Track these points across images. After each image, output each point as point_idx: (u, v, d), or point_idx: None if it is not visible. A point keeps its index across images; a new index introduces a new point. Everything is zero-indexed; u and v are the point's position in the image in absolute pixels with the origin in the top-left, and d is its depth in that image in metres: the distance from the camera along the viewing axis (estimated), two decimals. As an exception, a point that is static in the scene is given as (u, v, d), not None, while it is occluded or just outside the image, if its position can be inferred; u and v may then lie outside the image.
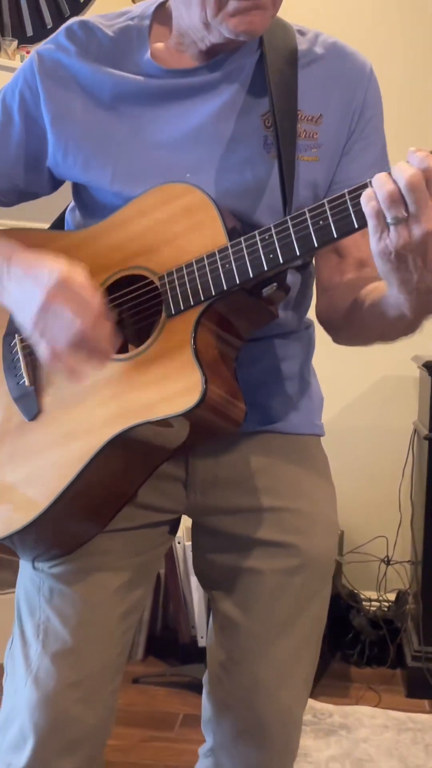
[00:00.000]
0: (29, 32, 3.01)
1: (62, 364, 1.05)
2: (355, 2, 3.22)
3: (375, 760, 2.33)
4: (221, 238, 1.06)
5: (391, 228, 0.90)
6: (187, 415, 1.03)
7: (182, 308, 1.07)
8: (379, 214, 0.91)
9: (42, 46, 1.22)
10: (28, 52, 2.90)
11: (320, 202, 0.99)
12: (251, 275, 1.03)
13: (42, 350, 1.06)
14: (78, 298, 1.03)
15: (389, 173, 0.90)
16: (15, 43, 2.89)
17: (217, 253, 1.05)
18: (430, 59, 3.20)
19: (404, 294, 0.98)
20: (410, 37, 3.22)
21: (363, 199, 0.92)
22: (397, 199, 0.89)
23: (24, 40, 2.97)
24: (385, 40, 3.18)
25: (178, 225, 1.09)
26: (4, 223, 1.30)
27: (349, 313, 1.16)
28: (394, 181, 0.89)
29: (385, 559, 3.17)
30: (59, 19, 3.05)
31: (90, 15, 2.93)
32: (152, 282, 1.10)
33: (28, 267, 1.08)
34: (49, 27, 3.03)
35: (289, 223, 1.01)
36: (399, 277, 0.95)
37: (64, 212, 1.34)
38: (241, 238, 1.04)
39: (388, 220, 0.90)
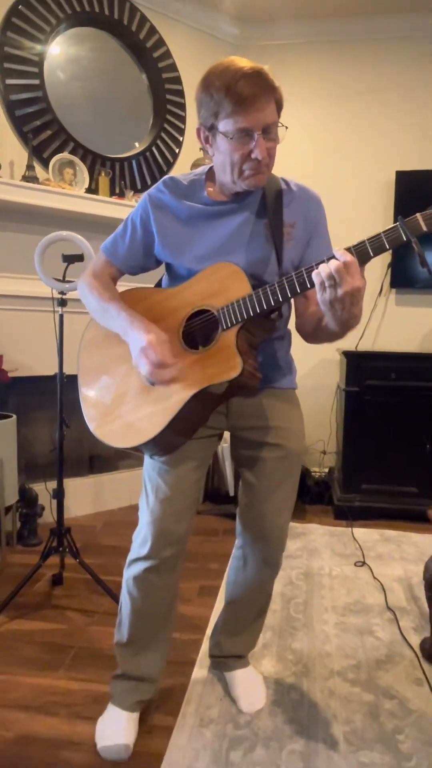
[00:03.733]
0: (139, 186, 2.92)
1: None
2: (317, 158, 3.11)
3: (319, 550, 2.32)
4: (248, 289, 1.03)
5: (327, 288, 0.92)
6: (233, 380, 1.02)
7: (230, 325, 1.05)
8: (322, 281, 0.92)
9: (151, 190, 1.18)
10: (138, 196, 2.84)
11: (299, 270, 0.96)
12: (265, 308, 1.01)
13: (140, 371, 1.08)
14: (150, 354, 1.04)
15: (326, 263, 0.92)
16: (132, 192, 2.83)
17: (246, 297, 1.03)
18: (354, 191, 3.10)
19: (330, 317, 0.97)
20: (349, 177, 3.12)
21: (313, 274, 0.93)
22: (329, 275, 0.91)
23: (136, 191, 2.90)
24: (330, 178, 3.06)
25: (224, 283, 1.07)
26: (130, 285, 1.26)
27: (314, 329, 1.12)
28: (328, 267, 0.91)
29: (323, 451, 3.15)
30: (153, 178, 2.97)
31: (173, 172, 2.90)
32: (212, 313, 1.08)
33: (138, 332, 1.08)
34: (149, 183, 2.95)
35: (284, 280, 0.98)
36: (326, 310, 0.96)
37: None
38: (259, 289, 1.02)
39: (326, 284, 0.92)
